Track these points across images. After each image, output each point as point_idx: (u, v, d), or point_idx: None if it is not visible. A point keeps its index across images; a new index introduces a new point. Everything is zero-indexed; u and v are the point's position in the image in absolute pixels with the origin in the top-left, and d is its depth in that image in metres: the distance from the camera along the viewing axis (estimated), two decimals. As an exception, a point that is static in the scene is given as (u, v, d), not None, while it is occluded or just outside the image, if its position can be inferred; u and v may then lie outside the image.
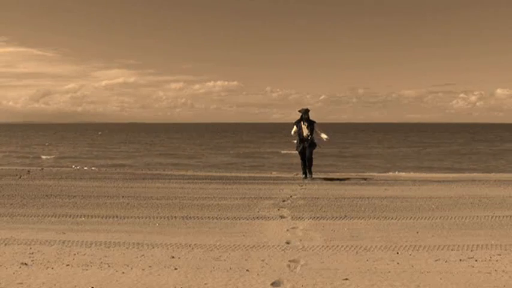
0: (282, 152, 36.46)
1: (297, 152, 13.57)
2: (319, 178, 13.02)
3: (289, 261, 5.49)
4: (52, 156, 33.85)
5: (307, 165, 13.09)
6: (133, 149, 42.86)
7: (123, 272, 5.07)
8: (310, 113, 13.40)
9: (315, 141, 13.20)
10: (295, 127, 13.30)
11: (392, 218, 7.94)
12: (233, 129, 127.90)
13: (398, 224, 7.57)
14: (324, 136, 13.17)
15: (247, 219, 7.91)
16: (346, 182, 12.58)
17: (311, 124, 13.15)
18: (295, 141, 13.41)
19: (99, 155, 35.30)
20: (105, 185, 11.81)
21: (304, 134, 13.09)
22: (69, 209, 8.79)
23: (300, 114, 13.26)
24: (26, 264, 5.34)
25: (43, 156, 33.72)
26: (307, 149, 13.06)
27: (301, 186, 11.66)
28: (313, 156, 13.18)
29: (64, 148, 44.38)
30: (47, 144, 50.40)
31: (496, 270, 5.14)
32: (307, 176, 13.03)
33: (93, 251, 5.92)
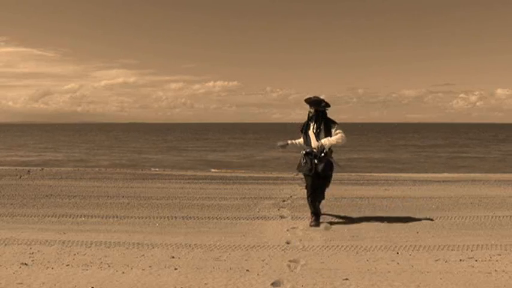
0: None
1: (301, 174, 8.20)
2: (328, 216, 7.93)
3: (289, 261, 5.49)
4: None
5: (316, 199, 7.59)
6: (79, 150, 39.65)
7: (123, 272, 5.07)
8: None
9: (332, 158, 7.48)
10: (300, 133, 7.71)
11: (392, 218, 7.94)
12: (226, 129, 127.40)
13: (398, 224, 7.57)
14: (335, 138, 7.36)
15: (247, 219, 7.91)
16: (346, 182, 12.58)
17: (327, 126, 7.41)
18: (302, 154, 7.56)
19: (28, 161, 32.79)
20: (105, 185, 11.83)
21: (313, 144, 7.42)
22: (69, 209, 8.79)
23: (309, 108, 7.54)
24: (26, 264, 5.34)
25: None
26: (316, 171, 7.41)
27: (301, 186, 11.66)
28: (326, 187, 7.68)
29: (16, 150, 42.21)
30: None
31: (496, 270, 5.14)
32: (314, 221, 7.51)
33: (93, 251, 5.92)
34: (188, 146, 45.07)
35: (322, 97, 7.57)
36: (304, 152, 7.54)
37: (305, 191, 7.84)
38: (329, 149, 7.43)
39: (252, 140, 59.98)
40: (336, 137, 7.39)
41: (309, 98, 7.51)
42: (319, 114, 7.46)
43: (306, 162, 7.50)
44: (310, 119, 7.54)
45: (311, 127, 7.51)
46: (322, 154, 7.40)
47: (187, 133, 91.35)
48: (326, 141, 7.40)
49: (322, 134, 7.42)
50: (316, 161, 7.41)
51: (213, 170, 18.65)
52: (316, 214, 7.60)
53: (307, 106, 7.58)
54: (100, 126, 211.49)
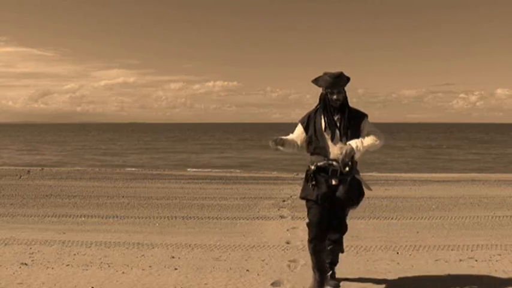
0: None
1: (303, 200, 4.48)
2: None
3: (289, 261, 5.49)
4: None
5: (331, 250, 4.42)
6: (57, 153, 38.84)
7: (123, 272, 5.07)
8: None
9: (358, 175, 4.33)
10: (300, 128, 4.46)
11: (392, 218, 7.95)
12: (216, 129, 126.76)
13: (399, 224, 7.58)
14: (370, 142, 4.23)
15: (247, 219, 7.91)
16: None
17: (355, 121, 4.32)
18: (311, 170, 4.31)
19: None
20: (105, 185, 11.83)
21: (331, 152, 4.28)
22: (69, 209, 8.79)
23: (322, 92, 4.38)
24: (26, 264, 5.34)
25: None
26: (334, 197, 4.25)
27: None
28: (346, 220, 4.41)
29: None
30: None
31: (496, 270, 5.14)
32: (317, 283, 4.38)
33: (93, 251, 5.91)
34: (162, 147, 43.79)
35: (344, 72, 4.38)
36: (314, 168, 4.31)
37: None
38: (352, 157, 4.25)
39: (242, 141, 58.95)
40: (372, 137, 4.29)
41: (320, 77, 4.39)
42: (345, 98, 4.35)
43: (318, 184, 4.31)
44: (326, 109, 4.34)
45: (326, 119, 4.33)
46: (347, 168, 4.25)
47: (179, 133, 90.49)
48: (359, 143, 4.23)
49: (350, 131, 4.30)
50: (334, 181, 4.27)
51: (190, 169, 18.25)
52: (321, 271, 4.43)
53: (316, 85, 4.43)
54: (99, 126, 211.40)
